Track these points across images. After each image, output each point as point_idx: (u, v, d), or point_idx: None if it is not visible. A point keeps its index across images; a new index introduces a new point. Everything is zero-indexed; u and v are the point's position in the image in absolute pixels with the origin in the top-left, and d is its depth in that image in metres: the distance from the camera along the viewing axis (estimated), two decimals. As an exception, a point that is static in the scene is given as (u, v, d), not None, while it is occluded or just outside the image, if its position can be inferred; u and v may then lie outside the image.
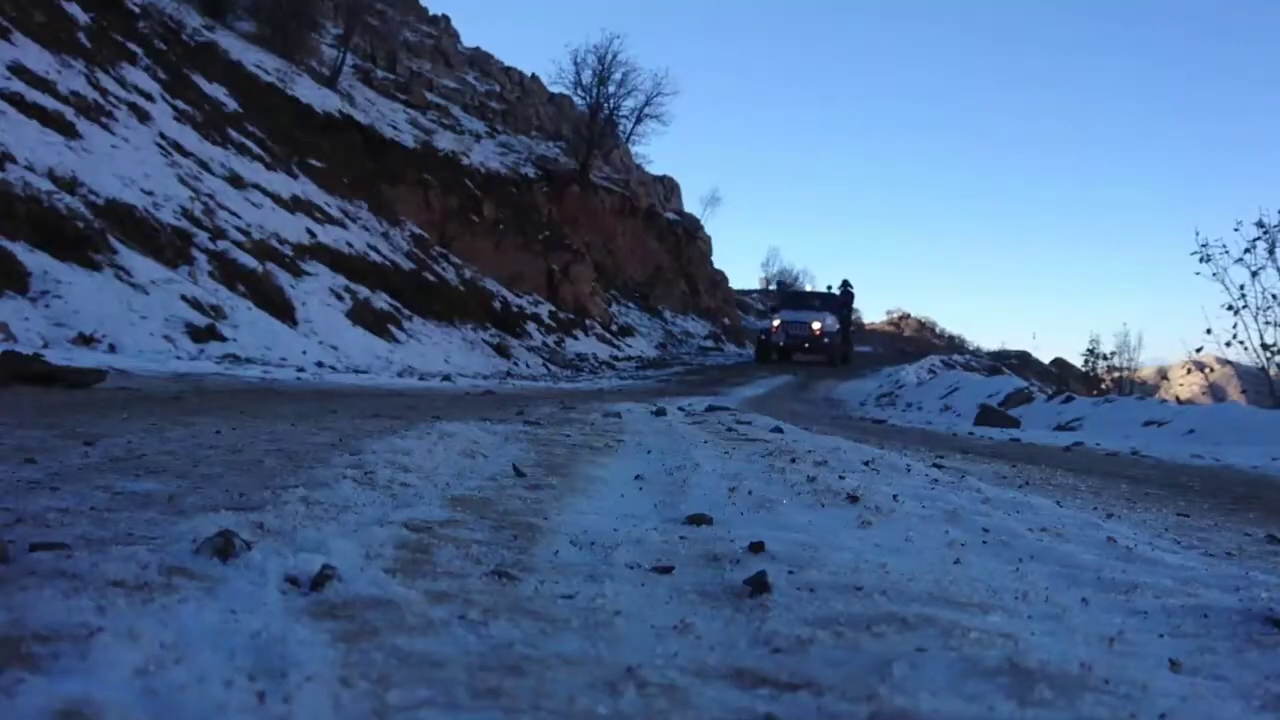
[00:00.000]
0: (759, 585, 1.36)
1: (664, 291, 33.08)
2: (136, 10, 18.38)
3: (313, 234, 15.37)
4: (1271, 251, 10.97)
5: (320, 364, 10.40)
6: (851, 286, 28.50)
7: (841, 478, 2.62)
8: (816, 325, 24.31)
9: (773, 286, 30.25)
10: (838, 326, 25.20)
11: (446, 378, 11.49)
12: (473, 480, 2.32)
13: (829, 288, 29.04)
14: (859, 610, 1.25)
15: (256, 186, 15.37)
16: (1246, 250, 11.07)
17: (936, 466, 3.51)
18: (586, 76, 31.22)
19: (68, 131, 11.35)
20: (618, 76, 31.29)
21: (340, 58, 26.14)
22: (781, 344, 24.29)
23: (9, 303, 7.71)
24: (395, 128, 25.06)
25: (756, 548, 1.66)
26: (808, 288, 30.09)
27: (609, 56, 30.96)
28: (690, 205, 42.34)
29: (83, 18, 15.35)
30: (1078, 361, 20.69)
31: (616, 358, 22.43)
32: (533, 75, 38.88)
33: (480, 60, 37.86)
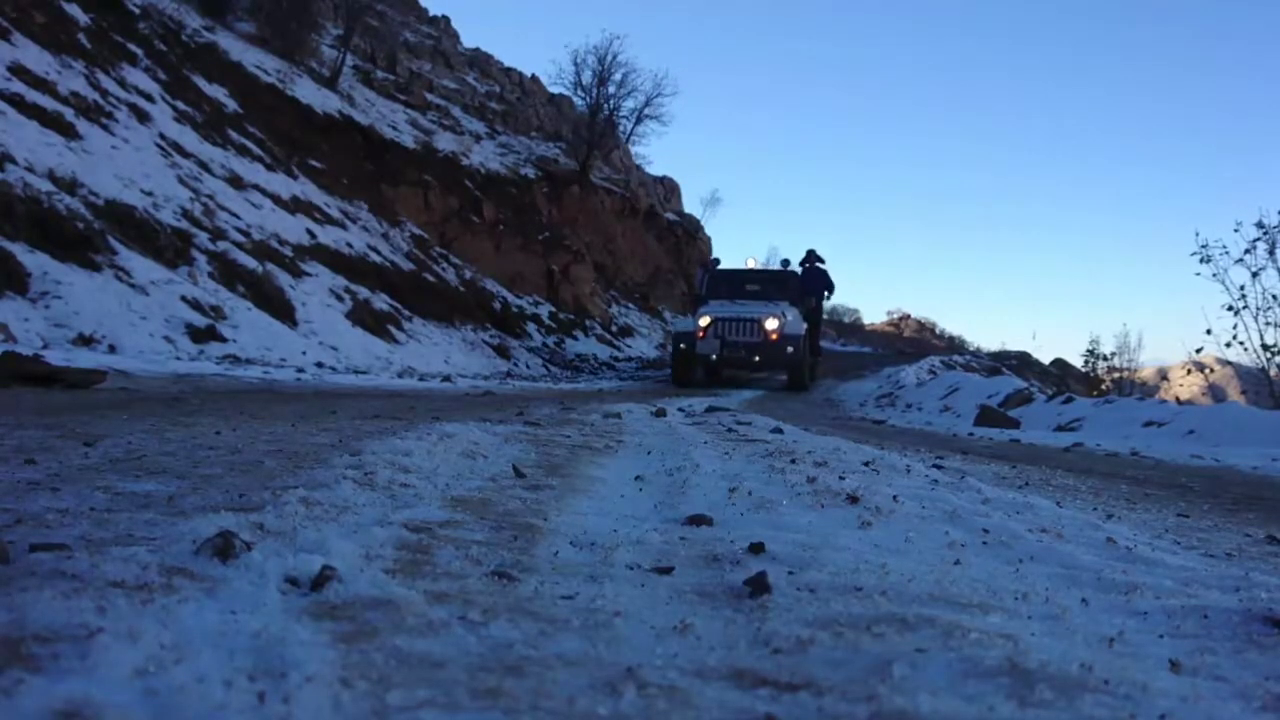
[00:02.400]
0: (759, 586, 1.36)
1: (664, 292, 33.08)
2: (136, 11, 18.38)
3: (312, 234, 15.38)
4: (1271, 252, 10.99)
5: (320, 365, 10.40)
6: (822, 261, 18.60)
7: (841, 478, 2.62)
8: (772, 324, 15.17)
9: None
10: (804, 327, 15.95)
11: (446, 378, 11.50)
12: (473, 481, 2.32)
13: (785, 263, 18.68)
14: (859, 611, 1.25)
15: (256, 187, 15.37)
16: (1246, 251, 11.10)
17: (936, 467, 3.51)
18: (586, 77, 31.27)
19: (68, 132, 11.35)
20: (618, 77, 31.35)
21: (340, 58, 26.16)
22: (715, 356, 15.21)
23: (9, 303, 7.71)
24: (395, 128, 25.07)
25: (756, 548, 1.66)
26: (750, 263, 18.61)
27: (609, 57, 31.00)
28: (690, 206, 42.37)
29: (83, 19, 15.35)
30: (1078, 362, 20.68)
31: (616, 358, 22.43)
32: (533, 76, 38.92)
33: (480, 61, 37.88)
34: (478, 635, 1.08)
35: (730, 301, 16.33)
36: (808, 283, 18.01)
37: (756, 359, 15.41)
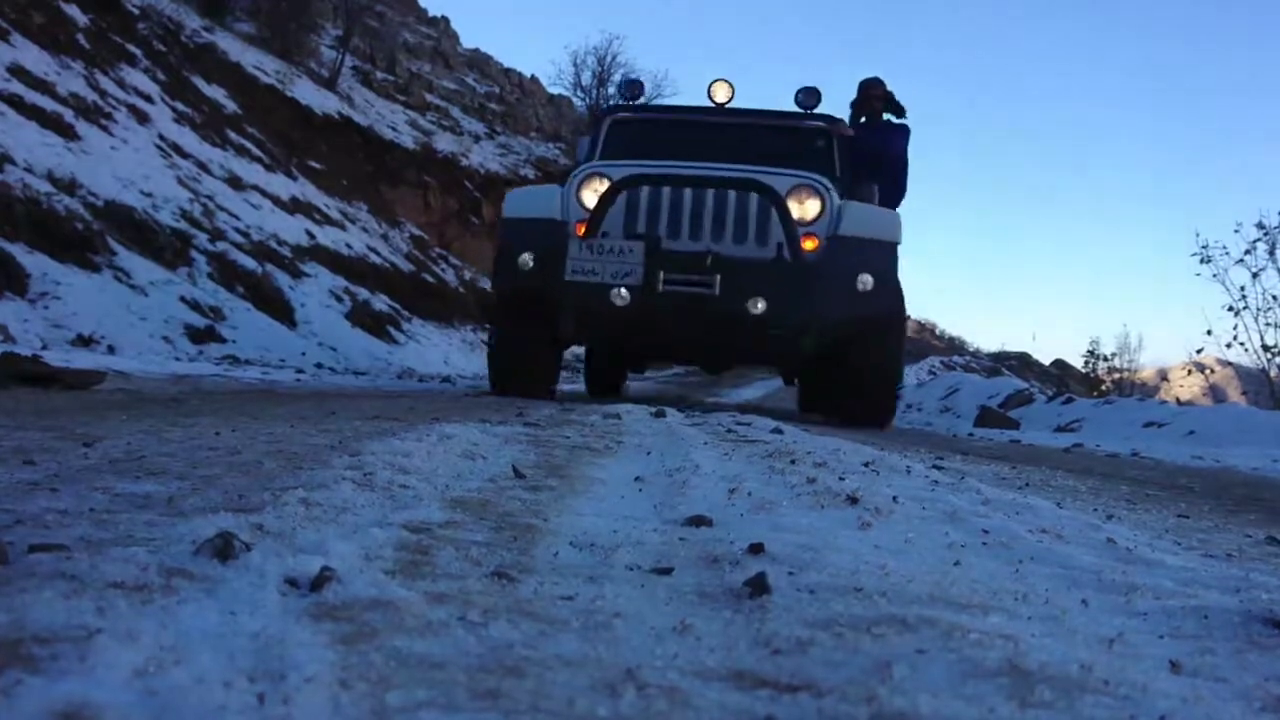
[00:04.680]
0: (759, 587, 1.36)
1: (663, 293, 33.00)
2: (136, 12, 18.37)
3: (312, 235, 15.37)
4: (1272, 253, 11.03)
5: (319, 365, 10.40)
6: (900, 112, 7.82)
7: (841, 479, 2.61)
8: (808, 205, 5.89)
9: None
10: (893, 234, 6.03)
11: (446, 379, 11.49)
12: (472, 482, 2.31)
13: (808, 100, 7.19)
14: (859, 612, 1.24)
15: (256, 188, 15.38)
16: (1247, 252, 11.14)
17: (936, 468, 3.51)
18: (586, 78, 31.33)
19: (67, 133, 11.35)
20: (617, 78, 31.37)
21: (339, 59, 26.16)
22: (625, 298, 5.53)
23: (8, 304, 7.71)
24: (394, 129, 25.07)
25: (756, 549, 1.65)
26: (718, 94, 7.12)
27: (608, 58, 31.05)
28: (690, 207, 42.27)
29: (82, 19, 15.35)
30: (1078, 363, 20.69)
31: (616, 359, 22.41)
32: (532, 76, 38.96)
33: (479, 62, 37.89)
34: (477, 636, 1.07)
35: (672, 156, 6.65)
36: (874, 151, 7.46)
37: (759, 308, 5.72)
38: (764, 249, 5.97)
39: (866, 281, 5.88)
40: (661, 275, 5.72)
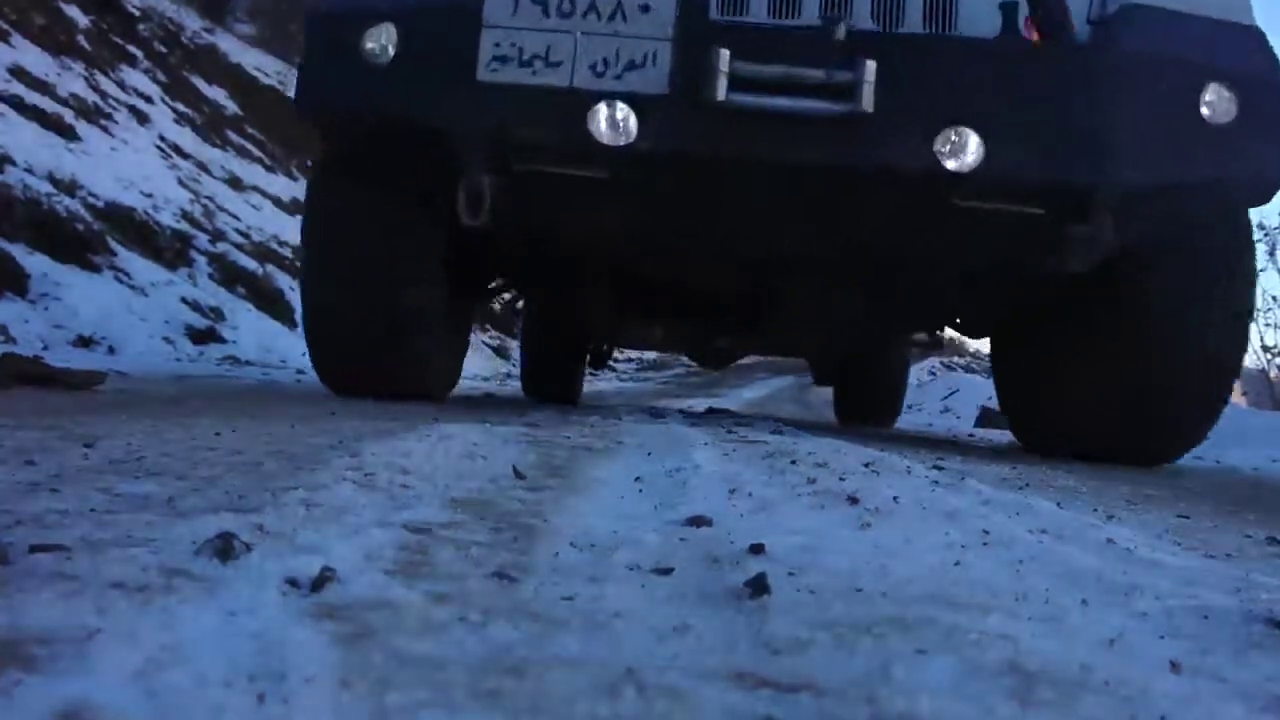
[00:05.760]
0: (759, 587, 1.36)
1: (664, 293, 32.96)
2: (136, 13, 18.40)
3: (312, 236, 15.38)
4: (1272, 254, 11.01)
5: (320, 366, 10.39)
6: None
7: (841, 479, 2.61)
8: None
9: None
10: (1244, 10, 2.59)
11: (446, 380, 11.47)
12: (473, 482, 2.31)
13: None
14: (859, 612, 1.25)
15: (256, 189, 15.41)
16: (1246, 252, 11.13)
17: (937, 468, 3.50)
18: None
19: (67, 134, 11.37)
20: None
21: (340, 60, 26.17)
22: (630, 122, 2.39)
23: (9, 305, 7.71)
24: (395, 130, 25.09)
25: (756, 549, 1.65)
26: None
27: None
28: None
29: (82, 20, 15.38)
30: (1077, 363, 20.67)
31: (615, 359, 22.43)
32: (532, 77, 38.95)
33: (480, 62, 37.92)
34: (477, 636, 1.08)
35: None
36: None
37: (971, 155, 2.52)
38: (958, 23, 2.86)
39: (1220, 101, 2.82)
40: (723, 67, 2.63)
